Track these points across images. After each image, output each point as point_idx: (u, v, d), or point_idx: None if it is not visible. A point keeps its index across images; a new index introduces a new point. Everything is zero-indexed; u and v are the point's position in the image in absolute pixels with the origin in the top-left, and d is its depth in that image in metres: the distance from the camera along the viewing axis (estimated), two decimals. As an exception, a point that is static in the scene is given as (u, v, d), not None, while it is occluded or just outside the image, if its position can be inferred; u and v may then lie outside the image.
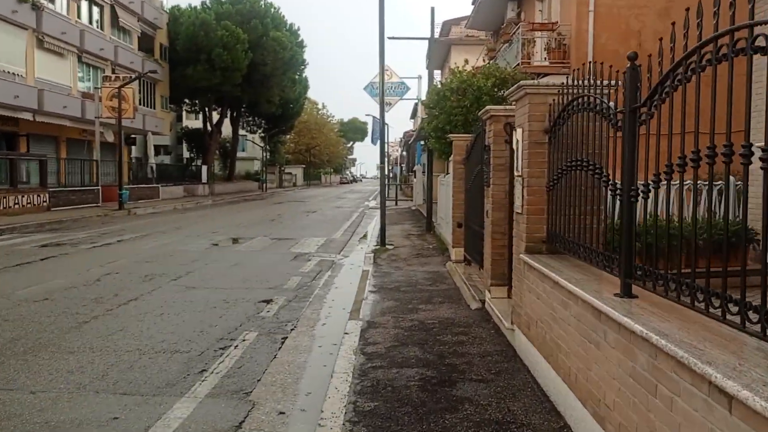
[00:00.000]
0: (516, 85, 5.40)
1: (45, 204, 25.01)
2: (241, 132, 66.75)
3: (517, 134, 5.57)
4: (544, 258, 5.07)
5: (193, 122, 67.10)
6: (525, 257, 5.23)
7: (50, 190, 25.78)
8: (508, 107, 7.40)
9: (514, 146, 5.74)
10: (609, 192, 3.96)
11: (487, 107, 7.39)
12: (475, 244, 10.25)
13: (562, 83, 4.92)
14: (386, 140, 62.88)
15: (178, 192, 41.90)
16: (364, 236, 17.92)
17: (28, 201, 23.91)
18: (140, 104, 42.02)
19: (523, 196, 5.41)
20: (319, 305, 8.53)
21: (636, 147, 3.47)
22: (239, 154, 75.61)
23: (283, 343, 6.55)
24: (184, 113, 70.82)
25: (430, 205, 17.26)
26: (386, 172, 69.51)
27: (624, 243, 3.54)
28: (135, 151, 51.01)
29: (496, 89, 14.34)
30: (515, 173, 5.79)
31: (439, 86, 15.98)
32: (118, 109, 27.72)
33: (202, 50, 44.45)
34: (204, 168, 47.82)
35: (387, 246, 14.40)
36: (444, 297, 8.69)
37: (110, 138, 35.21)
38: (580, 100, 4.38)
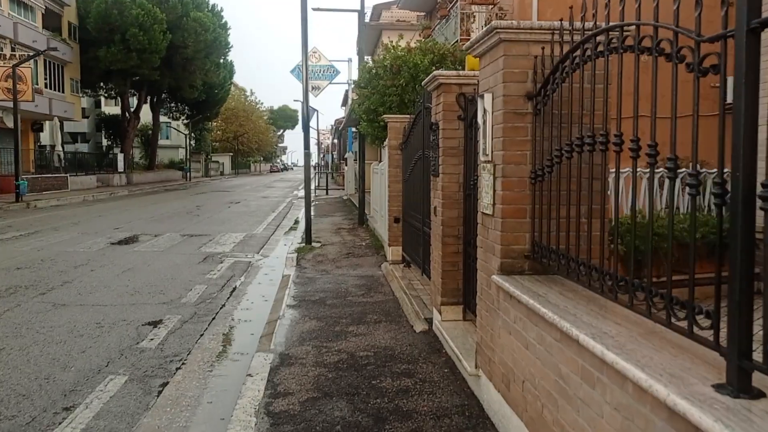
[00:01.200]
0: (485, 30, 3.73)
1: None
2: (165, 119, 63.42)
3: (485, 102, 3.90)
4: (532, 283, 3.44)
5: (113, 108, 63.06)
6: (499, 280, 3.58)
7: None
8: (462, 73, 5.75)
9: (480, 120, 4.07)
10: (698, 190, 2.33)
11: (435, 72, 5.71)
12: (415, 243, 8.62)
13: (561, 20, 3.29)
14: (317, 127, 60.98)
15: (90, 182, 38.76)
16: (290, 230, 16.09)
17: None
18: (47, 87, 38.69)
19: (494, 190, 3.76)
20: (222, 326, 6.71)
21: (756, 112, 1.83)
22: (163, 143, 71.96)
23: (159, 394, 4.73)
24: (102, 99, 66.76)
25: (363, 195, 15.53)
26: (318, 161, 67.87)
27: (738, 291, 1.91)
28: (46, 138, 47.32)
29: (434, 67, 12.75)
30: (481, 158, 4.13)
31: (371, 64, 14.26)
32: (13, 90, 24.74)
33: (116, 30, 41.20)
34: (121, 156, 44.62)
35: (313, 244, 12.59)
36: (380, 313, 7.00)
37: (10, 123, 31.95)
38: (607, 37, 2.74)
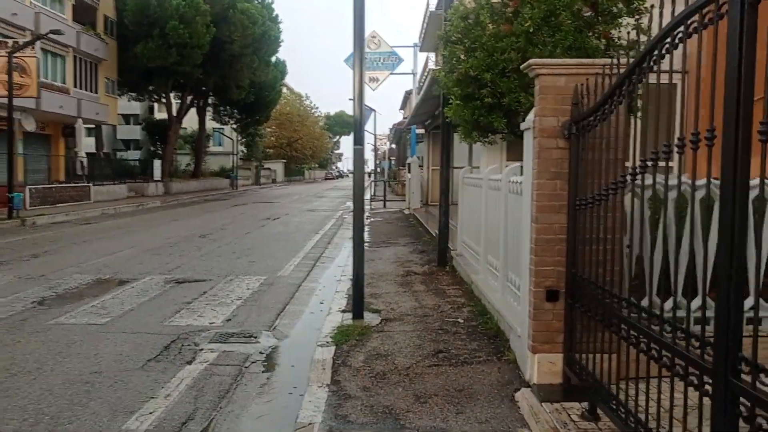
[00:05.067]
0: None
1: None
2: (216, 124, 59.53)
3: None
4: None
5: (165, 114, 59.56)
6: None
7: None
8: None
9: None
10: None
11: None
12: (609, 355, 3.10)
13: None
14: (374, 131, 55.86)
15: (120, 192, 34.46)
16: (335, 266, 10.77)
17: None
18: (77, 87, 34.72)
19: None
20: None
21: None
22: (215, 149, 68.36)
23: None
24: (156, 104, 63.48)
25: (446, 220, 9.82)
26: (374, 167, 62.62)
27: None
28: (91, 144, 43.41)
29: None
30: None
31: (467, 5, 8.72)
32: (9, 82, 20.28)
33: (155, 23, 36.93)
34: (157, 163, 40.32)
35: (367, 319, 7.05)
36: None
37: (31, 127, 27.85)
38: None
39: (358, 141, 7.13)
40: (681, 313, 3.37)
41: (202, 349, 6.05)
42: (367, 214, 23.09)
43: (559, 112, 4.45)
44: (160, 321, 7.12)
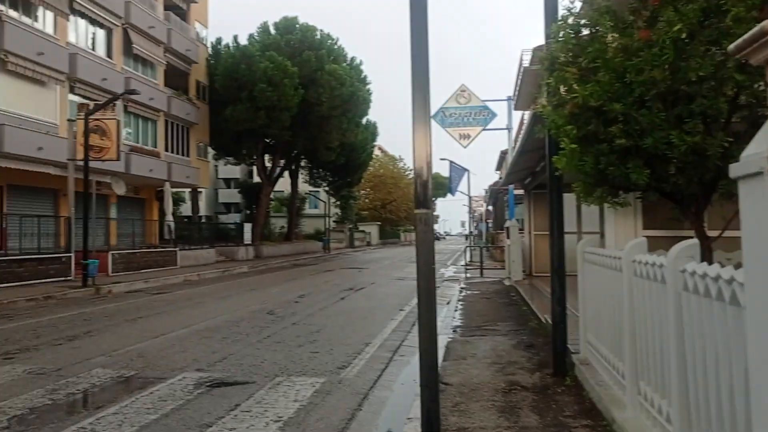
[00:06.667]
0: None
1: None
2: (312, 188, 59.18)
3: None
4: None
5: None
6: None
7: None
8: None
9: None
10: None
11: None
12: None
13: None
14: (468, 192, 53.50)
15: (208, 256, 33.61)
16: (415, 374, 8.38)
17: None
18: (169, 150, 34.71)
19: None
20: None
21: None
22: (310, 211, 68.13)
23: None
24: (254, 168, 64.28)
25: (562, 312, 7.04)
26: (470, 229, 59.94)
27: None
28: (188, 209, 43.53)
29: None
30: None
31: (580, 6, 6.35)
32: (86, 145, 19.58)
33: (244, 86, 36.86)
34: (248, 227, 39.54)
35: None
36: None
37: (121, 190, 27.45)
38: None
39: (423, 203, 4.86)
40: None
41: None
42: (461, 284, 20.56)
43: None
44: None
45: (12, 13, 23.30)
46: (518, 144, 12.66)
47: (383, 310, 14.68)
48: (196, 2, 38.63)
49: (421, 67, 5.07)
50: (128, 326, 12.09)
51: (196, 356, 9.12)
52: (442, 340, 9.77)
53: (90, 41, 28.52)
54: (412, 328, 11.72)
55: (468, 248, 33.58)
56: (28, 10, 24.33)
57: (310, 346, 10.03)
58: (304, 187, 57.17)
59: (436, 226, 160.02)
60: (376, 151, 70.60)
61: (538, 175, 16.66)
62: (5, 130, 21.73)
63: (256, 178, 60.66)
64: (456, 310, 13.88)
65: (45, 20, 25.26)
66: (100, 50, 29.25)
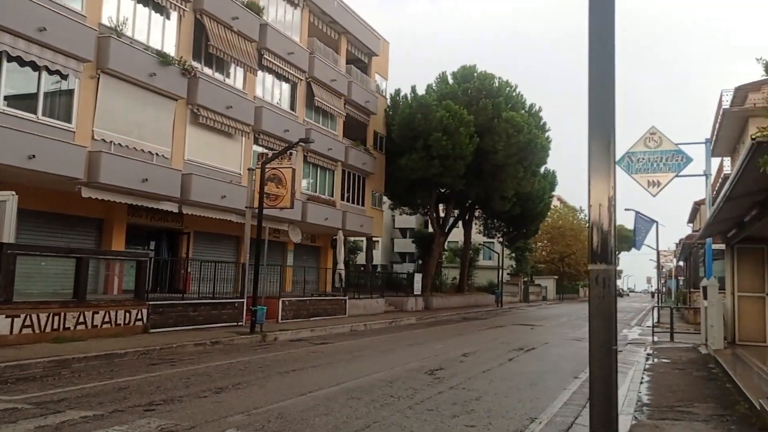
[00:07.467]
0: None
1: (140, 323, 17.62)
2: (486, 238, 57.94)
3: None
4: None
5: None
6: None
7: (154, 303, 18.43)
8: None
9: None
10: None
11: None
12: None
13: None
14: (656, 246, 49.10)
15: (377, 306, 33.36)
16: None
17: (107, 319, 16.63)
18: (343, 199, 35.38)
19: None
20: None
21: None
22: (484, 263, 66.81)
23: None
24: (428, 218, 64.67)
25: None
26: (658, 287, 54.92)
27: None
28: (362, 257, 44.38)
29: None
30: None
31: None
32: (260, 192, 20.10)
33: (419, 136, 36.83)
34: (418, 277, 39.00)
35: None
36: None
37: (297, 238, 28.11)
38: None
39: (601, 257, 3.59)
40: None
41: None
42: (647, 349, 18.10)
43: None
44: None
45: (206, 70, 25.00)
46: (725, 188, 10.58)
47: (555, 377, 13.01)
48: (377, 55, 39.58)
49: (602, 109, 3.92)
50: (279, 379, 11.60)
51: (337, 422, 8.24)
52: (624, 423, 8.10)
53: (276, 95, 29.98)
54: (587, 402, 10.01)
55: (656, 307, 30.25)
56: (221, 66, 26.04)
57: (466, 417, 8.79)
58: (477, 237, 55.95)
59: (618, 282, 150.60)
60: (555, 202, 67.82)
61: (747, 225, 14.16)
62: (193, 180, 23.05)
63: (431, 228, 60.69)
64: (641, 383, 11.89)
65: (235, 76, 26.90)
66: (284, 103, 30.64)
